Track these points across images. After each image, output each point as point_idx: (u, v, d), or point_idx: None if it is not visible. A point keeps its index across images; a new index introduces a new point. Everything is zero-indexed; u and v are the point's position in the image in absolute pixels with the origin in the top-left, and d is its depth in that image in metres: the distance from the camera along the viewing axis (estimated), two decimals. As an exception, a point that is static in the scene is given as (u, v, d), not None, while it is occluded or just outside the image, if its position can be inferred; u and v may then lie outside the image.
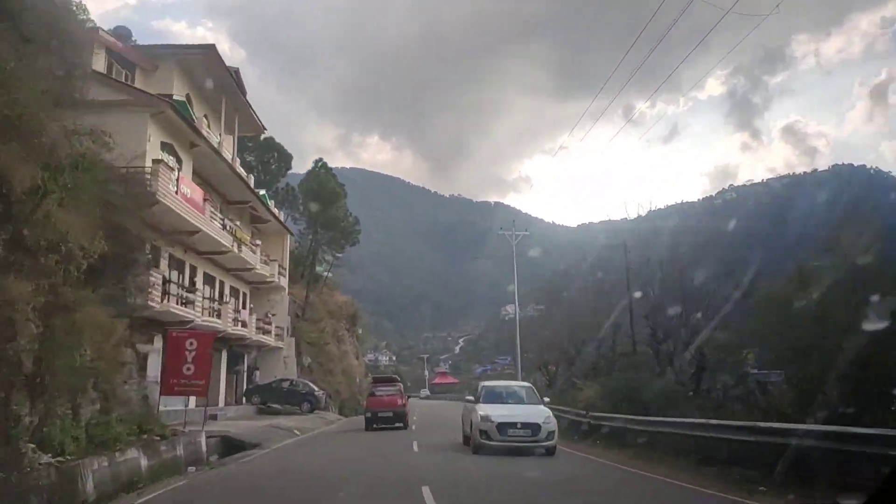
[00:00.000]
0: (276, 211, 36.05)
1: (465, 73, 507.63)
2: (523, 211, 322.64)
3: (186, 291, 22.24)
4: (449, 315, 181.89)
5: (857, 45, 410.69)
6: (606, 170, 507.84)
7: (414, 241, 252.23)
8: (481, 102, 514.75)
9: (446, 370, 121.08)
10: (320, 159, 45.87)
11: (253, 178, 33.57)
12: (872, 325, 10.15)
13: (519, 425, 14.49)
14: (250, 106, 29.85)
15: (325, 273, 50.06)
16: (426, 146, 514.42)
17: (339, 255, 48.48)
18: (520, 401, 16.16)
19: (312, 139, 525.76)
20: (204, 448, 14.56)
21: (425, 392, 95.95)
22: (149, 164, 18.63)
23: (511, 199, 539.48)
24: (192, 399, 20.61)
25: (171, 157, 21.22)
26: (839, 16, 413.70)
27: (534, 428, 14.41)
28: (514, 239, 39.94)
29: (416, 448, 16.92)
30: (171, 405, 19.49)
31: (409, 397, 29.31)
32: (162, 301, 19.51)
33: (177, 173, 20.18)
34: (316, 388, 32.75)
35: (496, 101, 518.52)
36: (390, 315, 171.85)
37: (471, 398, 17.63)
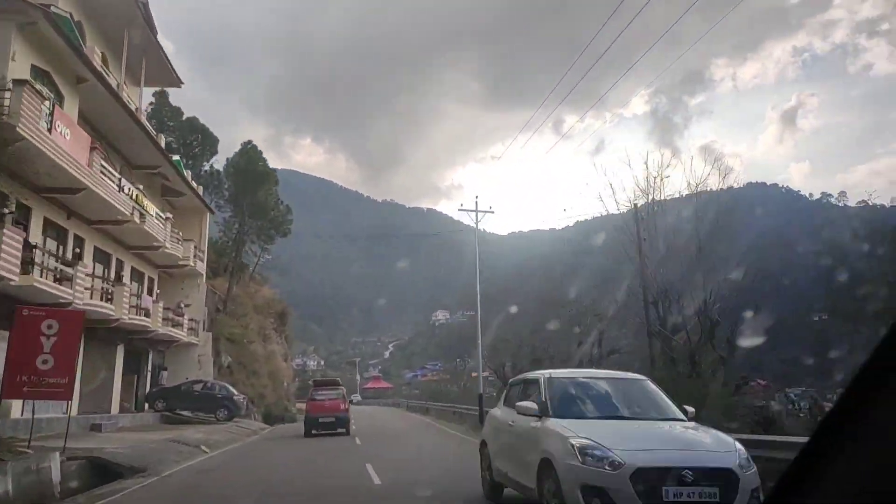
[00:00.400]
0: (194, 185, 30.86)
1: (401, 80, 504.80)
2: (455, 218, 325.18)
3: (63, 264, 17.15)
4: (379, 320, 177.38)
5: (770, 72, 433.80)
6: (537, 181, 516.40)
7: (345, 244, 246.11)
8: (417, 110, 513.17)
9: (378, 374, 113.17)
10: (249, 141, 40.61)
11: (164, 140, 28.21)
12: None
13: (688, 476, 5.72)
14: (161, 49, 24.64)
15: (253, 266, 45.60)
16: (360, 151, 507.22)
17: (269, 246, 43.64)
18: (644, 412, 7.48)
19: (243, 138, 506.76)
20: (56, 476, 9.88)
21: (357, 397, 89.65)
22: (9, 85, 13.78)
23: (444, 206, 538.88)
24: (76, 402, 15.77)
25: (46, 89, 16.27)
26: (755, 43, 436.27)
27: (723, 481, 5.83)
28: (476, 218, 32.55)
29: (376, 480, 11.11)
30: (43, 412, 14.64)
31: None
32: (24, 272, 14.57)
33: (51, 106, 15.25)
34: (235, 392, 27.52)
35: (431, 109, 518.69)
36: (319, 319, 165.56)
37: (512, 407, 8.08)
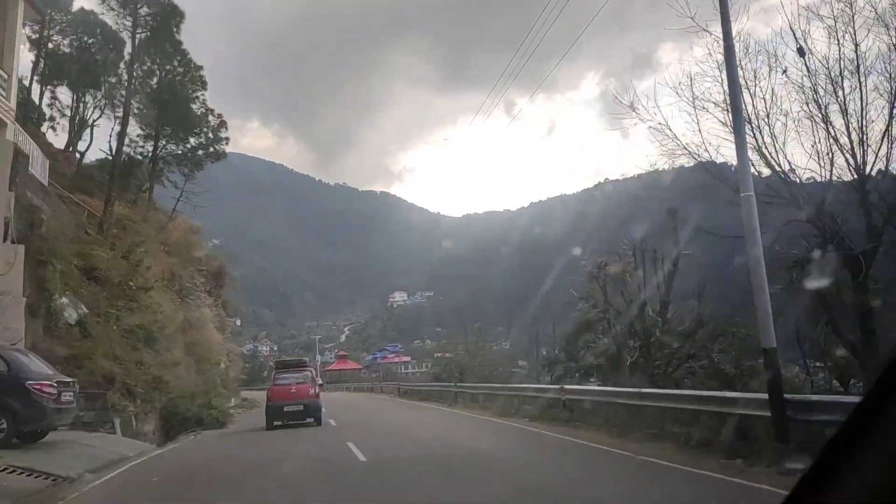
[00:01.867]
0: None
1: (350, 62, 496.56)
2: (409, 200, 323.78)
3: None
4: (334, 304, 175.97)
5: (715, 56, 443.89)
6: (489, 164, 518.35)
7: (297, 229, 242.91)
8: (367, 93, 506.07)
9: (344, 353, 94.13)
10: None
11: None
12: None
13: None
14: None
15: (175, 203, 33.93)
16: (310, 134, 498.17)
17: (193, 172, 32.25)
18: None
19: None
20: None
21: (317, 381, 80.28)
22: None
23: (396, 189, 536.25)
24: None
25: None
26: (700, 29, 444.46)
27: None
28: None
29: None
30: None
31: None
32: None
33: None
34: (42, 375, 12.52)
35: (382, 92, 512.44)
36: (271, 304, 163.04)
37: None
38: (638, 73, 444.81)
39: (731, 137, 12.00)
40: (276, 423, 18.89)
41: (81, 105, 32.39)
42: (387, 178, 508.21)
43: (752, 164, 13.02)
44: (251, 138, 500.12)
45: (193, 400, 21.66)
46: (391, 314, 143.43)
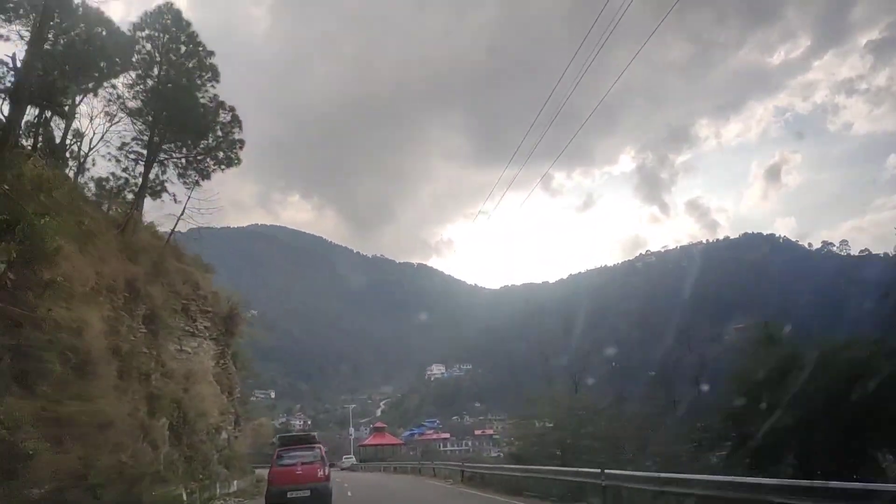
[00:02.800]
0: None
1: (387, 136, 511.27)
2: (446, 273, 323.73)
3: None
4: (369, 377, 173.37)
5: (753, 130, 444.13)
6: (527, 236, 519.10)
7: (334, 300, 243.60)
8: (404, 166, 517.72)
9: (383, 425, 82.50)
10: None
11: None
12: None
13: None
14: None
15: (178, 217, 23.35)
16: (349, 207, 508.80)
17: (199, 182, 24.70)
18: None
19: (232, 195, 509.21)
20: None
21: (349, 459, 64.22)
22: None
23: (434, 262, 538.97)
24: None
25: None
26: (738, 103, 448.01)
27: None
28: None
29: None
30: None
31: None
32: None
33: None
34: None
35: (418, 165, 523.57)
36: (306, 376, 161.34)
37: None
38: (674, 146, 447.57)
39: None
40: None
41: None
42: (424, 251, 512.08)
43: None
44: (292, 212, 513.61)
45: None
46: (429, 387, 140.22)
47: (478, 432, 47.42)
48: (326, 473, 17.14)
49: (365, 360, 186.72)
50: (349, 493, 24.69)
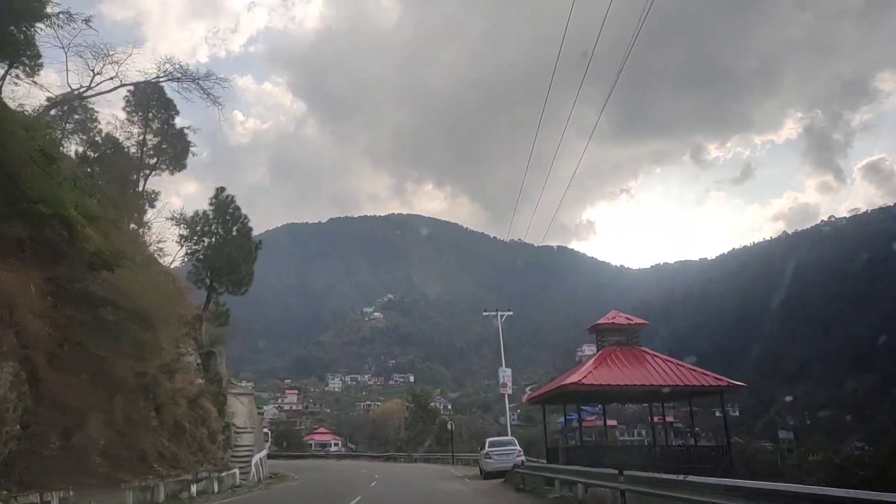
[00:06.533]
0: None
1: (520, 118, 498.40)
2: (588, 255, 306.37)
3: None
4: (511, 361, 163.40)
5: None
6: (675, 213, 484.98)
7: (471, 284, 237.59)
8: (538, 147, 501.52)
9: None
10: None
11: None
12: None
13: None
14: None
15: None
16: (483, 193, 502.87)
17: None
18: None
19: (367, 188, 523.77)
20: None
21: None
22: None
23: (575, 245, 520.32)
24: None
25: None
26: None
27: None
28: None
29: None
30: None
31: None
32: None
33: None
34: None
35: (554, 146, 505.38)
36: (446, 360, 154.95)
37: None
38: (850, 102, 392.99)
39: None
40: None
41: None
42: (563, 234, 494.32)
43: None
44: (425, 201, 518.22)
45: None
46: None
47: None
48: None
49: (506, 345, 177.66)
50: None
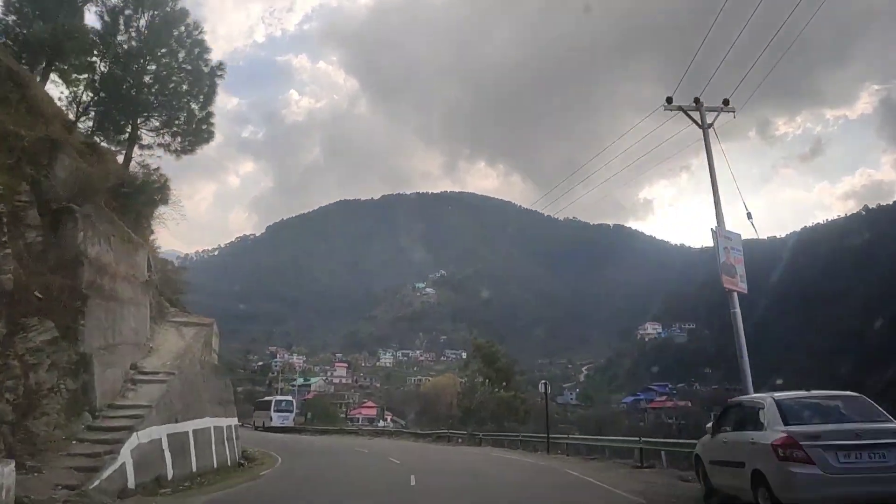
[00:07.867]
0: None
1: (573, 96, 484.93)
2: (646, 233, 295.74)
3: None
4: (565, 341, 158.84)
5: None
6: (739, 190, 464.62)
7: (525, 262, 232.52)
8: (591, 125, 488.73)
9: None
10: None
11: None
12: None
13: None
14: None
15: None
16: (536, 171, 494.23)
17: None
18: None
19: (419, 166, 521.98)
20: None
21: None
22: None
23: (632, 224, 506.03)
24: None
25: None
26: None
27: None
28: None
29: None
30: None
31: None
32: None
33: None
34: None
35: (608, 123, 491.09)
36: (499, 337, 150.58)
37: None
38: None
39: None
40: None
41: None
42: (619, 212, 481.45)
43: None
44: (478, 178, 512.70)
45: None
46: (642, 349, 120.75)
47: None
48: None
49: (560, 323, 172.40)
50: None
